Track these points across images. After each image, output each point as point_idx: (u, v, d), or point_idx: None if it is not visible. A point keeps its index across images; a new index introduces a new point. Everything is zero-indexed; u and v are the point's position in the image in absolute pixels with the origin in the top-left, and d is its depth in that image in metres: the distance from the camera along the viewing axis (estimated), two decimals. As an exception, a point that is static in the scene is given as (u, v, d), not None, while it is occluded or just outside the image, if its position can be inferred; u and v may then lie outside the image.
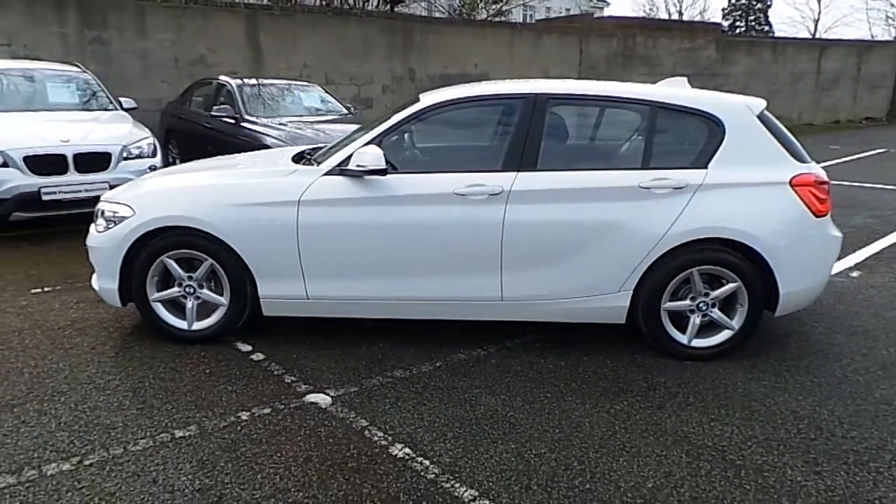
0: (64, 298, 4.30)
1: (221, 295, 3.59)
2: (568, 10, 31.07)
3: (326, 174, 3.47)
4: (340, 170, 3.45)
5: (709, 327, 3.57)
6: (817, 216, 3.46)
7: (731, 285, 3.46)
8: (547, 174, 3.44)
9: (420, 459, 2.60)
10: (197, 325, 3.63)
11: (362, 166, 3.34)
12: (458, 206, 3.40)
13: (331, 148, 3.86)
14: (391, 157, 3.57)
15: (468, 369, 3.42)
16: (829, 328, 4.07)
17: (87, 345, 3.60)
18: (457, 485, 2.44)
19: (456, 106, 3.62)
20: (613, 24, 15.99)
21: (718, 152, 3.46)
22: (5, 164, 5.57)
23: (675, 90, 3.67)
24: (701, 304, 3.50)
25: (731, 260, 3.40)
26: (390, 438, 2.75)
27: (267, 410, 2.95)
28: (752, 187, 3.44)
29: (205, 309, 3.64)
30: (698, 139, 3.55)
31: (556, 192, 3.41)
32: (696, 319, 3.53)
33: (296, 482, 2.43)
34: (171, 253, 3.52)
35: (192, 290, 3.59)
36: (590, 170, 3.49)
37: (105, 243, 3.55)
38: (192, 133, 8.74)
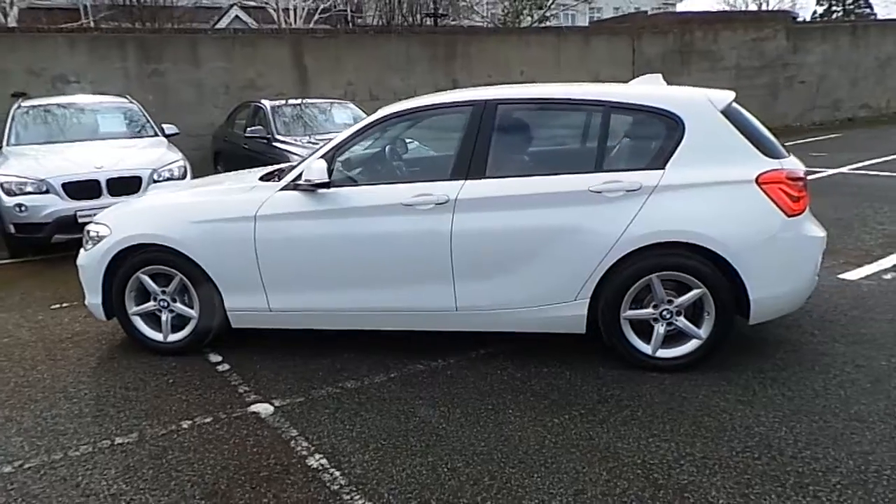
0: (75, 314, 4.63)
1: (192, 308, 3.76)
2: (617, 8, 30.07)
3: (282, 189, 3.57)
4: (294, 185, 3.53)
5: (677, 337, 3.37)
6: (790, 215, 3.20)
7: (694, 292, 3.25)
8: (495, 181, 3.38)
9: (332, 470, 2.61)
10: (172, 338, 3.81)
11: (309, 180, 3.42)
12: (405, 216, 3.40)
13: (297, 164, 3.97)
14: (347, 169, 3.64)
15: (420, 380, 3.39)
16: (830, 336, 3.74)
17: (75, 356, 3.87)
18: (356, 497, 2.44)
19: (407, 117, 3.63)
20: (669, 21, 15.41)
21: (677, 151, 3.28)
22: (46, 191, 6.09)
23: (629, 88, 3.52)
24: (664, 313, 3.31)
25: (693, 265, 3.20)
26: (312, 449, 2.78)
27: (209, 419, 3.06)
28: (714, 187, 3.23)
29: (180, 322, 3.82)
30: (656, 138, 3.38)
31: (504, 200, 3.34)
32: (659, 328, 3.34)
33: (203, 490, 2.51)
34: (145, 269, 3.72)
35: (166, 304, 3.78)
36: (540, 175, 3.40)
37: (89, 261, 3.80)
38: (234, 154, 9.20)
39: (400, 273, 3.46)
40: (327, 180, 3.40)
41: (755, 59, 15.84)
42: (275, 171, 4.13)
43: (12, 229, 6.13)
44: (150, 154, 6.90)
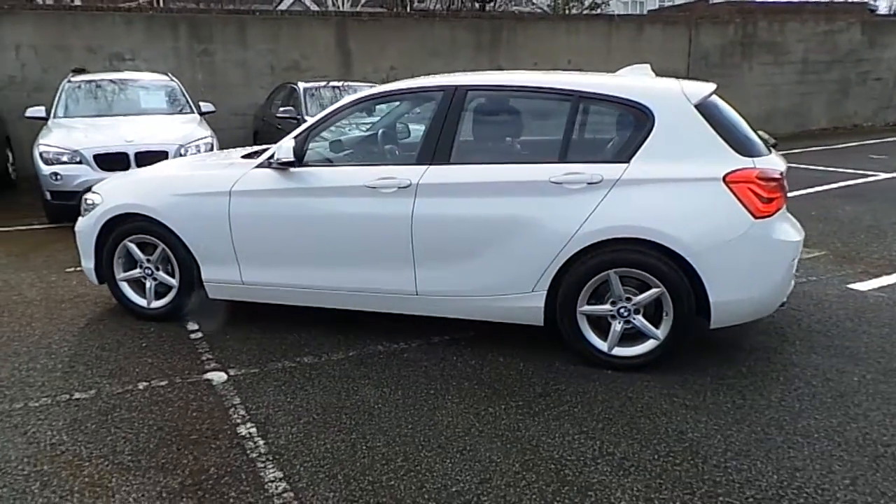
0: (82, 277, 4.86)
1: (173, 277, 3.93)
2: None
3: (257, 167, 3.67)
4: (268, 163, 3.63)
5: (635, 336, 3.28)
6: (757, 217, 3.05)
7: (653, 291, 3.16)
8: (458, 167, 3.37)
9: (257, 439, 2.70)
10: (154, 304, 4.00)
11: (278, 159, 3.51)
12: (369, 198, 3.44)
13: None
14: (321, 150, 3.70)
15: (375, 361, 3.44)
16: (811, 346, 3.55)
17: (69, 316, 4.12)
18: (270, 466, 2.52)
19: (379, 100, 3.66)
20: (730, 10, 14.71)
21: (644, 145, 3.18)
22: (80, 162, 6.46)
23: (602, 78, 3.42)
24: (622, 310, 3.23)
25: (652, 263, 3.11)
26: (247, 418, 2.88)
27: (164, 383, 3.22)
28: (679, 183, 3.11)
29: (164, 289, 4.00)
30: (624, 130, 3.28)
31: (465, 186, 3.33)
32: (616, 326, 3.26)
33: (133, 447, 2.65)
34: (131, 237, 3.92)
35: (150, 272, 3.97)
36: (504, 163, 3.37)
37: (83, 227, 4.03)
38: (268, 133, 9.45)
39: (363, 254, 3.51)
40: (292, 159, 3.48)
41: (825, 53, 14.94)
42: (257, 150, 4.24)
43: (48, 196, 6.54)
44: (181, 130, 7.18)
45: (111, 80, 8.20)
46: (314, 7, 19.11)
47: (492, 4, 13.79)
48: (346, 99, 3.65)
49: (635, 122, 3.23)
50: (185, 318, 3.98)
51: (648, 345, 3.25)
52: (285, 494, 2.34)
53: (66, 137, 6.76)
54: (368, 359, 3.48)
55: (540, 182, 3.22)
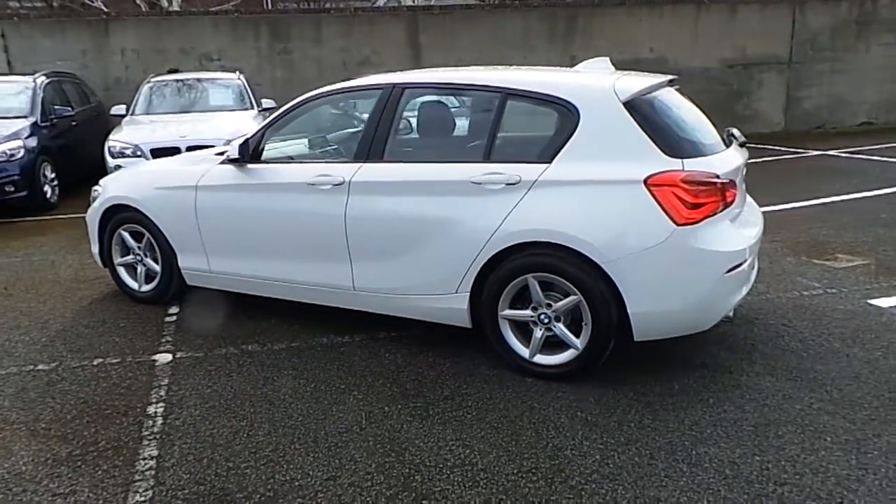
0: (114, 259, 5.44)
1: (157, 264, 4.26)
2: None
3: (221, 163, 3.89)
4: (228, 159, 3.83)
5: (559, 344, 3.14)
6: (680, 223, 2.80)
7: (571, 298, 3.00)
8: (388, 166, 3.38)
9: (158, 419, 2.90)
10: (144, 288, 4.36)
11: (228, 156, 3.70)
12: (308, 195, 3.53)
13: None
14: (276, 148, 3.85)
15: (312, 353, 3.55)
16: (772, 367, 3.21)
17: (77, 296, 4.59)
18: (152, 444, 2.70)
19: (325, 99, 3.73)
20: (845, -12, 13.19)
21: (568, 144, 3.02)
22: (139, 155, 7.12)
23: (530, 74, 3.27)
24: (542, 316, 3.10)
25: (568, 269, 2.95)
26: (162, 398, 3.09)
27: (116, 360, 3.52)
28: (599, 186, 2.93)
29: (153, 274, 4.35)
30: (549, 129, 3.13)
31: (392, 185, 3.33)
32: (537, 333, 3.13)
33: (52, 417, 2.94)
34: (125, 226, 4.29)
35: (140, 258, 4.34)
36: (433, 162, 3.32)
37: (90, 215, 4.47)
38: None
39: (305, 249, 3.62)
40: (237, 156, 3.66)
41: (964, 35, 13.04)
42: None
43: (114, 185, 7.27)
44: (234, 125, 7.67)
45: (184, 80, 8.94)
46: (408, 1, 19.48)
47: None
48: (297, 99, 3.77)
49: (560, 119, 3.07)
50: (169, 301, 4.31)
51: (569, 354, 3.09)
52: (147, 472, 2.51)
53: (131, 133, 7.48)
54: (307, 350, 3.59)
55: (461, 182, 3.15)
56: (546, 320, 3.10)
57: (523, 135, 3.31)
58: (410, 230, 3.29)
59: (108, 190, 4.33)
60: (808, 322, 3.77)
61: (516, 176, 3.04)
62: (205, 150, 4.88)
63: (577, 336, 3.05)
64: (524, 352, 3.18)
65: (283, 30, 11.56)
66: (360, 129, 3.64)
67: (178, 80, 8.90)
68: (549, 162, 3.03)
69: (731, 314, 3.10)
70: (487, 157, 3.17)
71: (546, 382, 3.12)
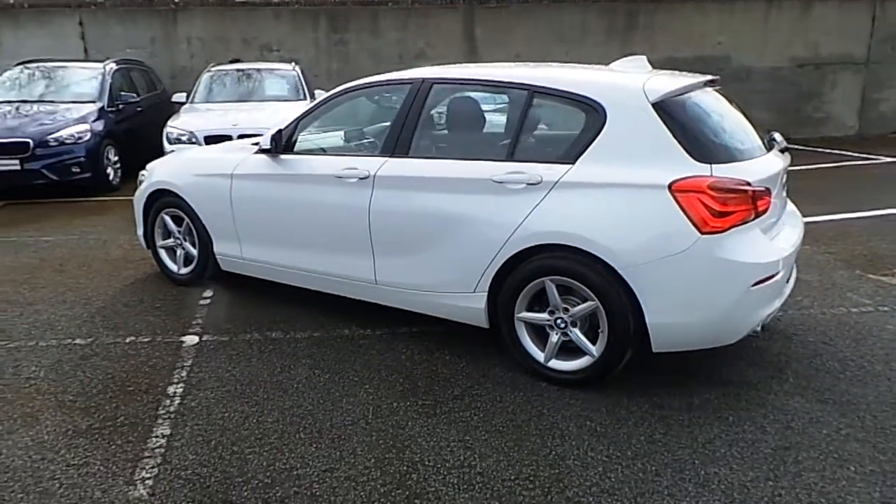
0: (162, 241, 5.65)
1: (195, 248, 4.40)
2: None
3: (256, 153, 3.97)
4: (261, 149, 3.91)
5: (575, 349, 3.06)
6: (705, 232, 2.68)
7: (588, 303, 2.92)
8: (413, 161, 3.37)
9: (176, 399, 3.00)
10: (182, 271, 4.52)
11: (260, 146, 3.77)
12: (336, 187, 3.57)
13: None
14: (310, 139, 3.91)
15: (333, 343, 3.59)
16: (804, 387, 3.04)
17: (123, 275, 4.79)
18: (166, 423, 2.79)
19: (357, 92, 3.75)
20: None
21: (593, 145, 2.93)
22: (194, 142, 7.37)
23: (559, 71, 3.17)
24: (559, 321, 3.03)
25: (586, 273, 2.87)
26: (184, 378, 3.19)
27: (147, 339, 3.66)
28: (623, 189, 2.83)
29: (192, 258, 4.50)
30: (574, 128, 3.04)
31: (416, 180, 3.32)
32: (553, 337, 3.07)
33: (80, 390, 3.08)
34: (166, 210, 4.46)
35: (179, 242, 4.49)
36: (457, 159, 3.29)
37: (137, 199, 4.66)
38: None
39: (330, 240, 3.66)
40: (268, 147, 3.72)
41: None
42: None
43: (170, 170, 7.56)
44: (284, 115, 7.82)
45: (242, 70, 9.18)
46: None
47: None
48: (332, 91, 3.81)
49: (587, 119, 2.98)
50: (205, 285, 4.45)
51: (584, 361, 3.01)
52: (157, 450, 2.60)
53: (187, 120, 7.75)
54: (328, 341, 3.63)
55: (483, 180, 3.11)
56: (562, 325, 3.03)
57: (548, 134, 3.24)
58: (431, 226, 3.27)
59: (153, 175, 4.50)
60: (850, 341, 3.55)
61: (538, 176, 2.97)
62: (245, 140, 5.01)
63: (594, 343, 2.97)
64: (539, 356, 3.12)
65: (341, 21, 11.72)
66: (388, 123, 3.64)
67: (235, 70, 9.14)
68: (573, 162, 2.95)
69: (758, 329, 2.94)
70: (511, 156, 3.11)
71: (559, 388, 3.05)
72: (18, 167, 7.34)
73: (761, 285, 2.77)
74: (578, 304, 2.98)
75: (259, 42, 11.67)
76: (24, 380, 3.19)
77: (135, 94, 9.23)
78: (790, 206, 3.62)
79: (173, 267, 4.57)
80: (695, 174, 2.72)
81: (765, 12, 11.93)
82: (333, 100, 3.80)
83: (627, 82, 3.01)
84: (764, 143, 3.29)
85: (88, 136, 7.79)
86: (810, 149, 10.73)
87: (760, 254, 2.77)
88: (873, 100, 12.29)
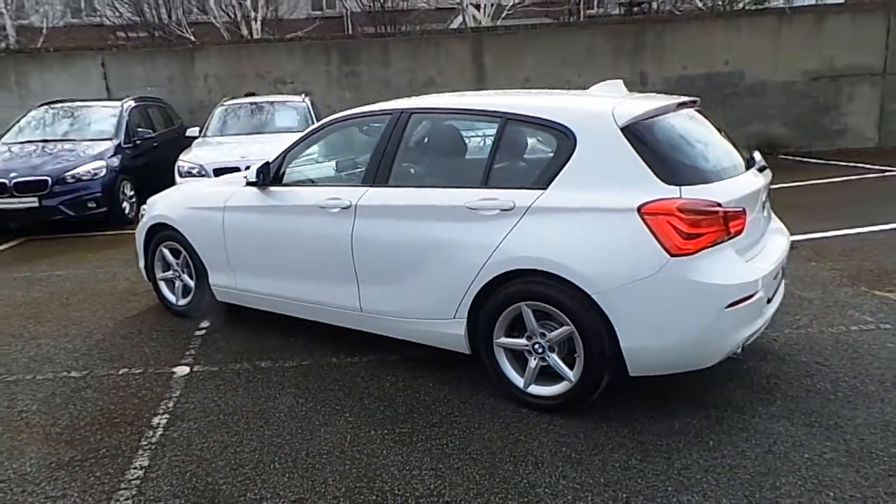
0: (168, 273, 5.78)
1: (192, 279, 4.49)
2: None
3: (245, 185, 4.06)
4: (247, 182, 4.00)
5: (554, 375, 3.04)
6: (675, 254, 2.65)
7: (564, 328, 2.90)
8: (392, 190, 3.42)
9: (159, 430, 3.04)
10: (181, 302, 4.61)
11: (247, 179, 3.86)
12: (320, 217, 3.62)
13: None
14: (295, 171, 3.98)
15: (319, 372, 3.61)
16: (791, 410, 2.96)
17: (127, 308, 4.90)
18: (145, 455, 2.83)
19: (341, 124, 3.82)
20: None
21: (564, 170, 2.94)
22: (203, 174, 7.56)
23: (531, 98, 3.20)
24: (537, 346, 3.02)
25: (559, 299, 2.87)
26: (170, 409, 3.24)
27: (139, 371, 3.73)
28: (593, 213, 2.83)
29: (189, 289, 4.59)
30: (547, 154, 3.06)
31: (394, 209, 3.36)
32: (532, 362, 3.05)
33: (69, 423, 3.15)
34: (164, 243, 4.57)
35: (177, 274, 4.59)
36: (435, 187, 3.33)
37: (138, 232, 4.79)
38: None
39: (317, 269, 3.71)
40: (254, 179, 3.81)
41: None
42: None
43: (181, 202, 7.75)
44: (292, 146, 8.01)
45: (252, 103, 9.41)
46: (486, 22, 19.70)
47: (643, 6, 12.91)
48: (316, 124, 3.89)
49: (558, 144, 3.00)
50: (203, 316, 4.53)
51: (562, 386, 2.99)
52: (133, 481, 2.64)
53: (197, 154, 7.96)
54: (315, 369, 3.66)
55: (458, 207, 3.14)
56: (540, 350, 3.01)
57: (522, 160, 3.26)
58: (411, 254, 3.30)
59: (153, 209, 4.63)
60: (846, 361, 3.45)
61: (510, 202, 2.99)
62: (238, 173, 5.13)
63: (571, 368, 2.95)
64: (519, 381, 3.10)
65: (352, 53, 11.97)
66: (367, 153, 3.70)
67: (246, 104, 9.38)
68: (545, 188, 2.96)
69: (739, 351, 2.89)
70: (485, 183, 3.14)
71: (539, 414, 3.03)
72: (37, 204, 7.60)
73: (737, 307, 2.72)
74: (556, 328, 2.96)
75: (273, 76, 11.98)
76: (17, 413, 3.28)
77: (150, 130, 9.52)
78: (776, 222, 3.58)
79: (172, 298, 4.66)
80: (663, 197, 2.71)
81: (775, 28, 11.85)
82: (319, 132, 3.88)
83: (597, 107, 3.03)
84: (747, 161, 3.26)
85: (104, 172, 8.04)
86: (827, 162, 10.55)
87: (734, 275, 2.73)
88: (892, 111, 12.05)
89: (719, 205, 2.72)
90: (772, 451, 2.65)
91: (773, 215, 3.69)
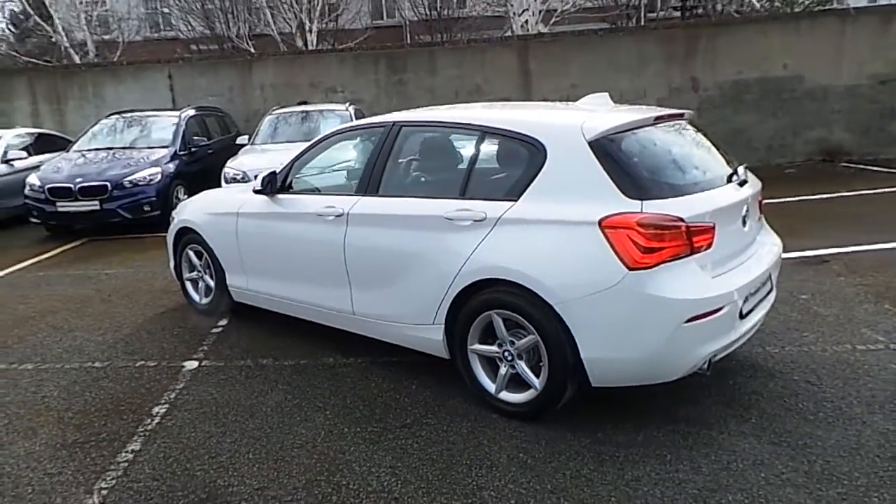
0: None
1: (212, 280, 4.80)
2: None
3: (255, 192, 4.31)
4: (254, 190, 4.25)
5: (523, 382, 3.10)
6: (633, 268, 2.68)
7: (530, 337, 2.97)
8: (380, 200, 3.57)
9: (157, 419, 3.30)
10: (203, 301, 4.92)
11: (254, 187, 4.11)
12: (318, 224, 3.82)
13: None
14: (302, 179, 4.21)
15: (313, 371, 3.80)
16: (763, 428, 2.91)
17: (159, 305, 5.27)
18: (139, 440, 3.09)
19: (342, 135, 4.01)
20: None
21: (534, 182, 3.02)
22: (246, 180, 7.96)
23: (510, 112, 3.27)
24: (507, 354, 3.10)
25: (525, 308, 2.94)
26: (171, 400, 3.51)
27: (153, 364, 4.03)
28: (557, 225, 2.89)
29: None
30: (519, 167, 3.13)
31: (381, 218, 3.52)
32: (502, 369, 3.13)
33: (81, 409, 3.46)
34: (189, 246, 4.90)
35: (200, 275, 4.91)
36: (419, 197, 3.46)
37: (168, 235, 5.14)
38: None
39: (315, 273, 3.91)
40: (259, 188, 4.05)
41: None
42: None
43: (227, 207, 8.20)
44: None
45: (298, 112, 9.82)
46: (539, 29, 19.65)
47: (698, 10, 12.50)
48: (321, 135, 4.10)
49: (529, 157, 3.07)
50: (222, 314, 4.82)
51: (529, 394, 3.05)
52: (122, 464, 2.90)
53: (242, 161, 8.40)
54: (311, 368, 3.85)
55: (435, 217, 3.26)
56: (510, 357, 3.09)
57: (497, 172, 3.33)
58: (394, 261, 3.45)
59: (181, 214, 4.97)
60: (839, 381, 3.34)
61: (482, 213, 3.09)
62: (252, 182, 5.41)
63: (538, 376, 3.01)
64: (491, 387, 3.18)
65: (400, 62, 12.27)
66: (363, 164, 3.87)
67: (293, 112, 9.80)
68: (516, 200, 3.04)
69: (705, 367, 2.86)
70: (463, 194, 3.24)
71: (507, 420, 3.10)
72: (98, 207, 8.23)
73: (698, 322, 2.72)
74: (524, 337, 3.03)
75: (325, 85, 12.41)
76: (40, 398, 3.63)
77: (205, 138, 10.08)
78: (767, 235, 3.51)
79: (196, 297, 4.99)
80: (624, 211, 2.74)
81: (838, 29, 11.31)
82: (322, 142, 4.09)
83: (568, 121, 3.08)
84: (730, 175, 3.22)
85: (159, 177, 8.60)
86: (890, 170, 9.98)
87: (695, 290, 2.72)
88: (969, 117, 11.27)
89: (681, 219, 2.72)
90: (728, 468, 2.63)
91: (767, 227, 3.61)
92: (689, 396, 3.22)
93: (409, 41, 18.30)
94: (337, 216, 3.69)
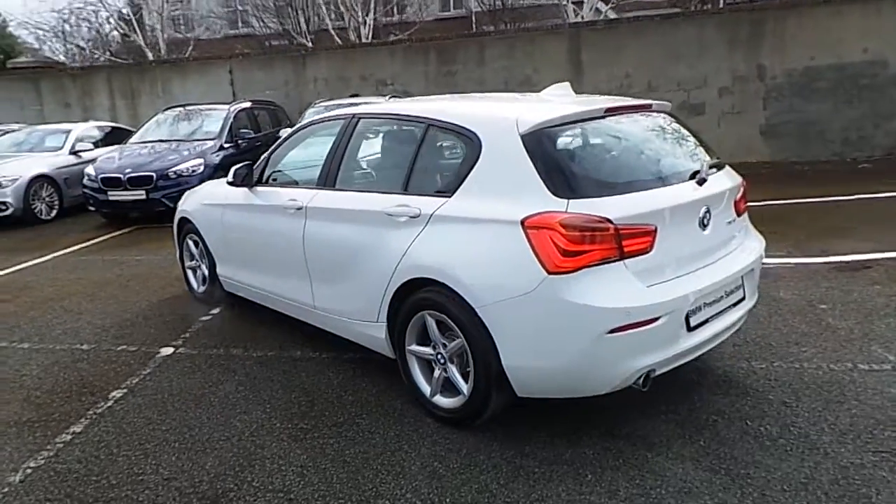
0: (220, 262, 6.32)
1: (207, 269, 4.91)
2: None
3: (228, 184, 4.34)
4: (227, 182, 4.30)
5: (455, 387, 2.96)
6: (552, 272, 2.48)
7: (458, 341, 2.83)
8: (335, 193, 3.51)
9: (111, 403, 3.40)
10: (200, 289, 5.05)
11: (227, 179, 4.16)
12: (282, 217, 3.81)
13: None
14: (276, 172, 4.20)
15: (274, 364, 3.80)
16: (702, 454, 2.64)
17: (166, 292, 5.44)
18: (84, 422, 3.19)
19: (314, 127, 3.98)
20: None
21: (468, 178, 2.86)
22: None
23: (455, 104, 3.11)
24: (439, 356, 2.96)
25: (452, 310, 2.79)
26: (133, 385, 3.60)
27: (133, 349, 4.17)
28: (484, 224, 2.72)
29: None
30: (458, 161, 2.97)
31: (333, 212, 3.46)
32: (436, 372, 3.00)
33: (49, 389, 3.61)
34: (189, 235, 5.03)
35: (198, 264, 5.03)
36: (368, 192, 3.37)
37: (174, 225, 5.31)
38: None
39: (281, 265, 3.90)
40: (231, 180, 4.08)
41: None
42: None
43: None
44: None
45: (339, 104, 9.92)
46: (612, 14, 18.95)
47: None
48: (294, 128, 4.08)
49: (466, 151, 2.91)
50: (217, 302, 4.93)
51: (458, 399, 2.91)
52: (59, 444, 2.99)
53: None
54: (274, 361, 3.85)
55: (377, 212, 3.16)
56: (442, 361, 2.95)
57: (438, 167, 3.18)
58: (344, 256, 3.38)
59: (182, 204, 5.12)
60: (819, 404, 2.98)
61: (417, 209, 2.96)
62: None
63: (468, 382, 2.86)
64: (427, 390, 3.06)
65: (449, 54, 12.16)
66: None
67: (332, 105, 9.91)
68: (451, 196, 2.89)
69: (640, 381, 2.61)
70: (405, 189, 3.13)
71: (439, 426, 2.97)
72: (144, 197, 8.66)
73: (624, 333, 2.47)
74: (454, 340, 2.89)
75: (375, 78, 12.51)
76: (20, 376, 3.83)
77: (252, 131, 10.37)
78: (748, 238, 3.17)
79: (195, 285, 5.13)
80: (547, 210, 2.53)
81: (927, 11, 10.19)
82: (295, 135, 4.08)
83: (504, 113, 2.89)
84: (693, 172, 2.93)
85: (202, 168, 8.93)
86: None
87: (620, 298, 2.48)
88: None
89: (609, 221, 2.49)
90: (647, 494, 2.39)
91: (750, 228, 3.27)
92: (642, 412, 2.97)
93: (474, 30, 18.11)
94: (297, 209, 3.67)
